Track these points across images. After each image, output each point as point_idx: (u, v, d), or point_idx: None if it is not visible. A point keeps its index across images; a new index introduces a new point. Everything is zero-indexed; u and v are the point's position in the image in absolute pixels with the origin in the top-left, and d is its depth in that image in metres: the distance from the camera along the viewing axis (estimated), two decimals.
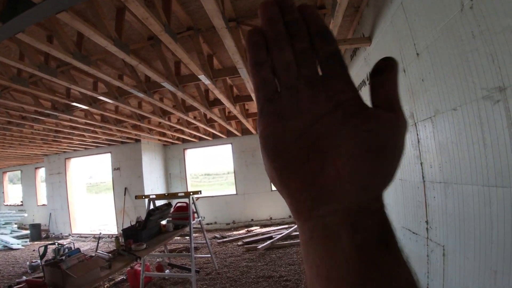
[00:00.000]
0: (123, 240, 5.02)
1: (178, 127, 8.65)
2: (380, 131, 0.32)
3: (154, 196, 6.20)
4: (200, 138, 11.51)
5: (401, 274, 0.31)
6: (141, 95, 5.08)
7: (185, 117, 7.13)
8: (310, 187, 0.33)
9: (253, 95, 5.72)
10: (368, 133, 0.32)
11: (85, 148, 11.98)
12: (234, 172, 11.88)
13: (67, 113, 6.15)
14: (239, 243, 8.65)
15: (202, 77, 4.53)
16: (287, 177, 0.34)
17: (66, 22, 2.90)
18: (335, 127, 0.33)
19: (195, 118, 8.09)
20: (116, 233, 10.99)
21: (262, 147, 0.36)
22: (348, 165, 0.31)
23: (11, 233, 12.62)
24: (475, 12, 1.97)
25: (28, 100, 5.61)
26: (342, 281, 0.30)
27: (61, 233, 12.67)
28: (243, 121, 8.46)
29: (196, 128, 10.02)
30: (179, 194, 6.42)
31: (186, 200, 6.39)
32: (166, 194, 6.66)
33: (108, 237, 10.96)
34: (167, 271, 6.49)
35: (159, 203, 6.30)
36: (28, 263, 7.94)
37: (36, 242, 11.78)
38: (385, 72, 0.35)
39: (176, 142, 11.99)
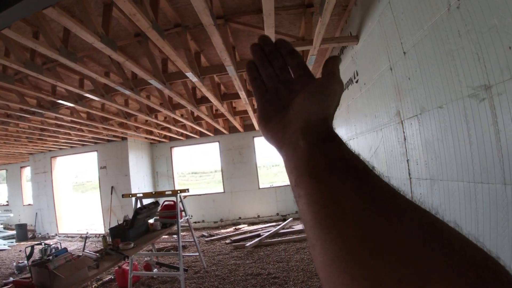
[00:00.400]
0: (110, 239, 4.95)
1: (165, 125, 8.56)
2: (318, 84, 0.52)
3: (141, 195, 6.13)
4: (187, 136, 11.43)
5: (340, 149, 0.44)
6: (127, 92, 5.01)
7: (172, 115, 7.07)
8: (280, 123, 0.53)
9: (240, 93, 5.74)
10: (311, 86, 0.52)
11: (71, 147, 11.75)
12: (222, 170, 11.85)
13: (52, 111, 6.02)
14: (227, 241, 8.65)
15: (190, 74, 4.48)
16: (269, 125, 0.55)
17: (53, 18, 2.83)
18: (298, 95, 0.52)
19: (182, 116, 8.03)
20: (103, 232, 10.84)
21: (258, 122, 0.58)
22: (299, 104, 0.51)
23: None
24: (462, 11, 2.00)
25: (13, 98, 5.46)
26: (301, 166, 0.45)
27: (47, 233, 12.42)
28: (231, 119, 8.44)
29: (183, 126, 9.94)
30: (167, 193, 6.36)
31: (173, 198, 6.34)
32: (153, 193, 6.59)
33: (95, 236, 10.79)
34: (155, 270, 6.44)
35: (146, 201, 6.24)
36: (14, 264, 7.76)
37: (22, 243, 11.54)
38: (327, 61, 0.54)
39: (163, 140, 11.88)
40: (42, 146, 11.18)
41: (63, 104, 5.65)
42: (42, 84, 5.30)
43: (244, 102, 6.57)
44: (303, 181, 0.43)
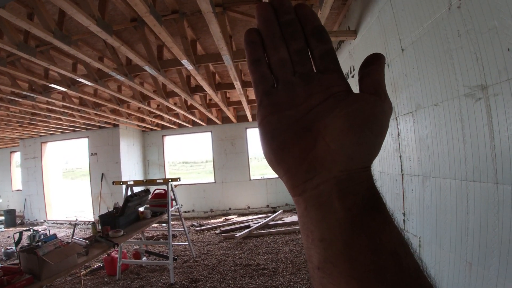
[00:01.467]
0: (100, 227, 4.93)
1: (158, 113, 8.50)
2: (364, 109, 0.36)
3: (132, 182, 6.09)
4: (180, 125, 11.37)
5: (389, 231, 0.34)
6: (121, 78, 4.95)
7: (165, 103, 7.02)
8: (303, 160, 0.36)
9: (235, 83, 5.70)
10: (354, 110, 0.36)
11: (62, 132, 11.59)
12: (213, 160, 11.84)
13: (44, 95, 5.92)
14: (217, 231, 8.68)
15: (185, 62, 4.44)
16: (282, 156, 0.37)
17: (50, 0, 2.77)
18: (326, 111, 0.37)
19: (175, 104, 7.97)
20: (93, 219, 10.80)
21: (260, 134, 0.40)
22: (336, 139, 0.35)
23: None
24: (462, 11, 2.01)
25: (4, 81, 5.35)
26: (335, 240, 0.33)
27: (36, 220, 12.30)
28: (224, 109, 8.41)
29: (176, 115, 9.88)
30: (158, 181, 6.34)
31: (164, 187, 6.32)
32: (144, 181, 6.55)
33: (85, 223, 10.76)
34: (144, 258, 6.44)
35: (137, 189, 6.21)
36: (3, 250, 7.68)
37: (11, 229, 11.37)
38: (372, 64, 0.39)
39: (155, 128, 11.80)
40: (33, 131, 11.03)
41: (55, 88, 5.56)
42: (35, 67, 5.20)
43: (238, 93, 6.55)
44: (337, 276, 0.33)
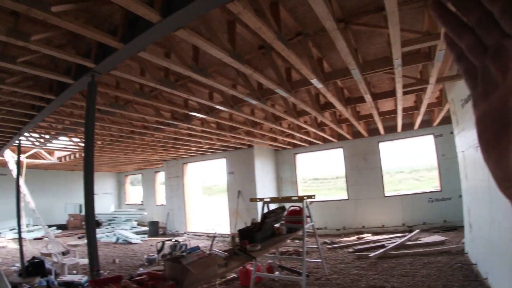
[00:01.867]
0: (238, 240, 5.24)
1: (289, 132, 8.78)
2: None
3: (268, 199, 6.39)
4: (311, 143, 11.48)
5: None
6: (254, 102, 5.33)
7: (296, 122, 7.22)
8: (498, 168, 0.33)
9: (366, 97, 5.53)
10: None
11: (201, 154, 13.11)
12: (346, 176, 11.53)
13: (185, 122, 6.83)
14: (350, 250, 8.35)
15: (315, 81, 4.53)
16: (487, 155, 0.34)
17: (184, 38, 3.22)
18: None
19: (305, 122, 8.11)
20: (228, 233, 11.71)
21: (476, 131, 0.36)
22: None
23: (131, 229, 14.41)
24: None
25: (149, 112, 6.40)
26: None
27: (177, 231, 14.06)
28: (355, 123, 8.18)
29: (307, 133, 10.04)
30: (293, 198, 6.50)
31: (299, 204, 6.45)
32: (280, 198, 6.80)
33: (221, 236, 11.65)
34: (276, 273, 6.63)
35: (271, 206, 6.46)
36: (145, 256, 8.72)
37: (153, 238, 13.04)
38: None
39: (287, 147, 12.21)
40: (175, 154, 12.79)
41: (195, 116, 6.33)
42: (175, 98, 6.04)
43: (369, 106, 6.30)
44: None
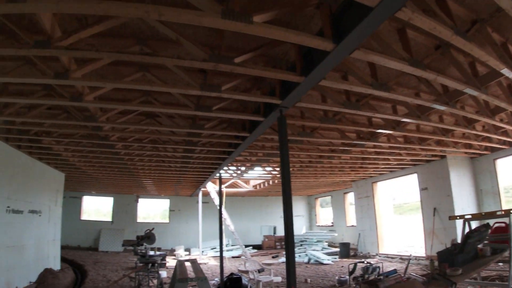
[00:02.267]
0: (437, 264, 4.76)
1: (485, 134, 7.55)
2: None
3: (469, 216, 5.55)
4: (511, 144, 9.43)
5: None
6: (443, 108, 4.89)
7: (492, 122, 6.20)
8: None
9: None
10: None
11: (390, 171, 12.55)
12: None
13: (372, 140, 6.75)
14: None
15: (505, 70, 3.85)
16: None
17: (359, 58, 3.23)
18: None
19: (501, 120, 6.85)
20: (423, 255, 10.70)
21: None
22: None
23: (322, 250, 14.66)
24: None
25: (335, 135, 6.61)
26: None
27: (368, 252, 13.56)
28: None
29: (505, 132, 8.35)
30: (498, 213, 5.46)
31: (505, 219, 5.37)
32: (483, 214, 5.77)
33: (415, 259, 10.67)
34: None
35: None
36: (337, 277, 8.70)
37: (344, 259, 13.03)
38: None
39: (484, 152, 10.31)
40: (364, 173, 12.71)
41: (381, 132, 6.19)
42: (359, 118, 6.07)
43: None
44: None
